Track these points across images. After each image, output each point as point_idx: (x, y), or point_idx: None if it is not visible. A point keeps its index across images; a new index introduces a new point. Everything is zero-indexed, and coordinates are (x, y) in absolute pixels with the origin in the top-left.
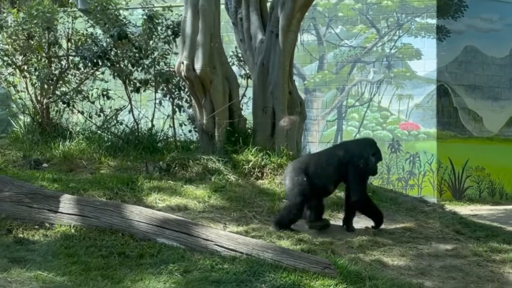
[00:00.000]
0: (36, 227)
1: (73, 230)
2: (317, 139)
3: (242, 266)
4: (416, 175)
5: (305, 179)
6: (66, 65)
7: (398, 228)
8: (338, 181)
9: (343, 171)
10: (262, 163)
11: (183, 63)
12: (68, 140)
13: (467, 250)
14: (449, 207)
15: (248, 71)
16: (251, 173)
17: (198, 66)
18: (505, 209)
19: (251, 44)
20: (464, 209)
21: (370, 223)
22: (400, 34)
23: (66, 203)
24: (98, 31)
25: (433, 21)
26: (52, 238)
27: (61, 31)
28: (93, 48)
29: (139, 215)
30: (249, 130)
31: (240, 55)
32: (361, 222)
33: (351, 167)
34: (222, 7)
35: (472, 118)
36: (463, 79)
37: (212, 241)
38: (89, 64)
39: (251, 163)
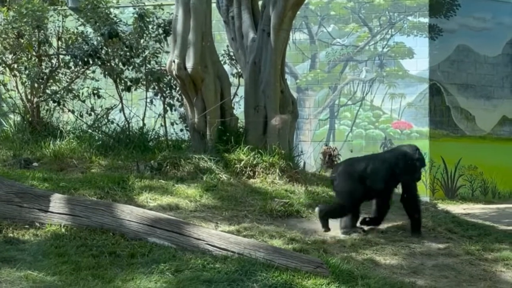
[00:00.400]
0: (26, 226)
1: (63, 230)
2: (310, 138)
3: (233, 266)
4: None
5: (359, 181)
6: (57, 63)
7: (390, 227)
8: (389, 185)
9: (394, 176)
10: (254, 162)
11: (174, 61)
12: (58, 139)
13: (460, 249)
14: (442, 206)
15: (239, 70)
16: (243, 172)
17: (189, 64)
18: (498, 208)
19: (242, 42)
20: (457, 208)
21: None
22: (392, 33)
23: (57, 202)
24: (89, 29)
25: (426, 20)
26: (42, 237)
27: (51, 30)
28: (84, 46)
29: (130, 214)
30: (240, 129)
31: (231, 53)
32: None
33: (401, 173)
34: (214, 5)
35: (464, 117)
36: (455, 78)
37: (203, 240)
38: (80, 62)
39: (242, 162)
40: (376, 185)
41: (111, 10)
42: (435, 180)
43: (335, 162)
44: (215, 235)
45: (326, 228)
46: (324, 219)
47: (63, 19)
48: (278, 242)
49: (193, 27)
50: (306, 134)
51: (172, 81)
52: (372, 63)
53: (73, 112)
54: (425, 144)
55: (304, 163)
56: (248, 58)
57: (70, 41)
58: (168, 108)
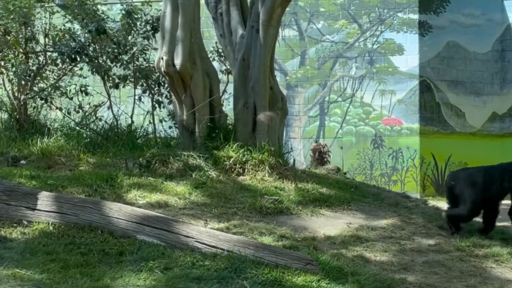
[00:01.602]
0: (14, 224)
1: (51, 228)
2: (299, 135)
3: (223, 263)
4: (399, 170)
5: (481, 189)
6: (44, 61)
7: (381, 224)
8: (501, 195)
9: (504, 188)
10: (243, 159)
11: (162, 58)
12: (46, 137)
13: (450, 245)
14: (432, 202)
15: (228, 67)
16: (232, 169)
17: (178, 61)
18: None
19: (231, 39)
20: (447, 205)
21: (352, 219)
22: (382, 30)
23: (44, 200)
24: (76, 26)
25: (415, 16)
26: (30, 235)
27: (38, 27)
28: (71, 43)
29: (118, 212)
30: (230, 126)
31: (220, 50)
32: (343, 218)
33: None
34: (202, 1)
35: (454, 113)
36: (445, 75)
37: (193, 237)
38: (67, 59)
39: (232, 159)
40: (492, 194)
41: (99, 6)
42: (426, 177)
43: (325, 159)
44: (205, 233)
45: (456, 229)
46: (452, 222)
47: (50, 15)
48: (268, 239)
49: (182, 23)
50: (296, 131)
51: (160, 78)
52: (362, 60)
53: (60, 109)
54: (416, 140)
55: (294, 160)
56: (237, 54)
57: (57, 38)
58: (156, 105)
